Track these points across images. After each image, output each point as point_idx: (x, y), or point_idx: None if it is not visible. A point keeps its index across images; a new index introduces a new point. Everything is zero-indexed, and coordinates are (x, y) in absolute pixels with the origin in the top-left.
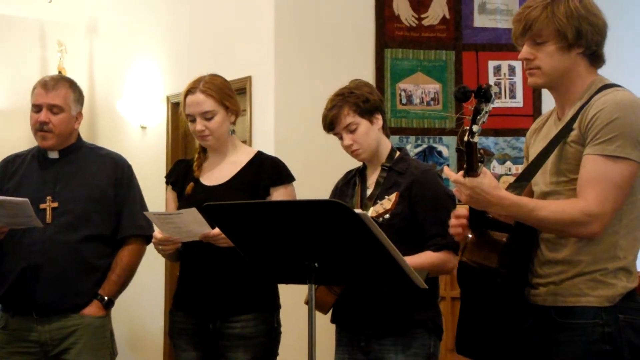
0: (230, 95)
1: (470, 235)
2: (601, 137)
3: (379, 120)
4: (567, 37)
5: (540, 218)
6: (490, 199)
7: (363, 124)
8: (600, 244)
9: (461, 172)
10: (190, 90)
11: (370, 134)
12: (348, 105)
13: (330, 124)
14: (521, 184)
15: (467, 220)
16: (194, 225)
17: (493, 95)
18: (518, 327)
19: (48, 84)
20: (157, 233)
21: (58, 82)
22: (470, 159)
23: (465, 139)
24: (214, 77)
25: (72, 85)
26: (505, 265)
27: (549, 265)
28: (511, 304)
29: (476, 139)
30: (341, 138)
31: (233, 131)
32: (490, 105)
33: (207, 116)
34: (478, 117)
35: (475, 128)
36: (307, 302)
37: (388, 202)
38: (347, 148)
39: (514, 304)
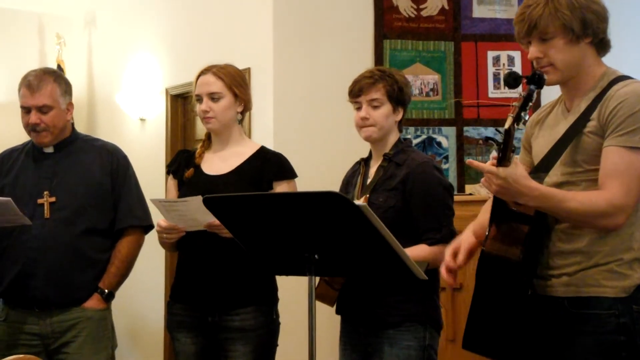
0: (241, 84)
1: (487, 232)
2: (624, 129)
3: (399, 114)
4: (574, 29)
5: (569, 209)
6: (522, 189)
7: (386, 106)
8: (618, 235)
9: (492, 162)
10: (202, 72)
11: (388, 119)
12: (384, 83)
13: (359, 91)
14: (539, 175)
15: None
16: (199, 213)
17: (544, 81)
18: (530, 318)
19: (32, 84)
20: (162, 221)
21: (42, 80)
22: (506, 148)
23: (507, 126)
24: (228, 65)
25: (56, 78)
26: (525, 258)
27: (562, 257)
28: (526, 296)
29: (521, 126)
30: (358, 109)
31: (240, 120)
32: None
33: (214, 96)
34: (530, 103)
35: (523, 114)
36: (315, 295)
37: None
38: (361, 120)
39: (529, 296)
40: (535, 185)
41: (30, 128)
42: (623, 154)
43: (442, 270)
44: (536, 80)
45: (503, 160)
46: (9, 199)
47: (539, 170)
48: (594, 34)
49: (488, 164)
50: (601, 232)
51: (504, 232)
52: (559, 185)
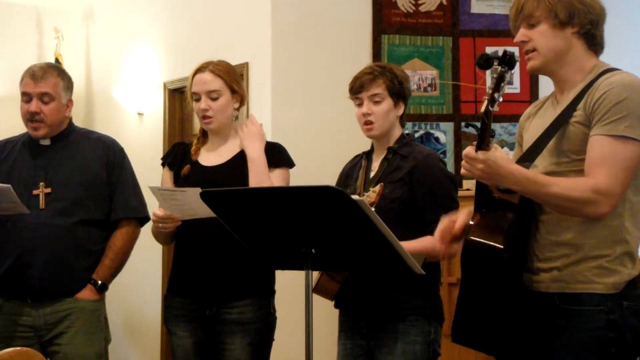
0: (237, 80)
1: (471, 222)
2: (609, 118)
3: (400, 108)
4: (559, 15)
5: (551, 194)
6: (503, 172)
7: (387, 102)
8: (605, 226)
9: (471, 147)
10: (199, 69)
11: (389, 114)
12: (384, 78)
13: (359, 87)
14: (524, 164)
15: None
16: (197, 204)
17: (516, 63)
18: (518, 311)
19: (36, 74)
20: (158, 211)
21: (46, 71)
22: (484, 131)
23: (483, 108)
24: (222, 61)
25: (60, 73)
26: (508, 246)
27: (550, 249)
28: (511, 287)
29: (496, 108)
30: (359, 105)
31: (237, 117)
32: (510, 74)
33: (213, 96)
34: (502, 84)
35: (497, 95)
36: (315, 288)
37: (373, 194)
38: (363, 116)
39: (515, 287)
40: (517, 168)
41: (29, 117)
42: (608, 143)
43: (437, 236)
44: (507, 60)
45: (482, 144)
46: (9, 185)
47: (523, 160)
48: (580, 23)
49: (467, 149)
50: (587, 222)
51: (488, 220)
52: (546, 175)
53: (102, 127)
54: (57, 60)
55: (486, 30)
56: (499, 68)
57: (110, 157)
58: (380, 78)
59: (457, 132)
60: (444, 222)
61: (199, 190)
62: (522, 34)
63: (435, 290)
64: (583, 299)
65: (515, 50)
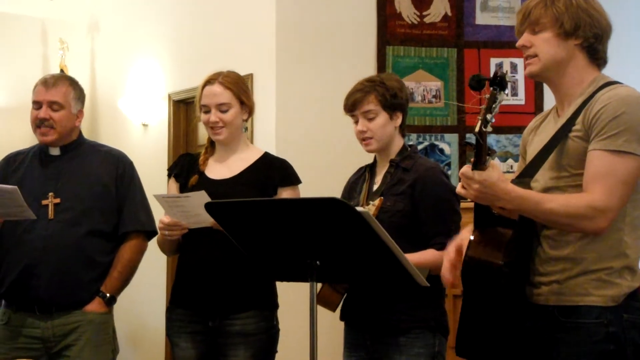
0: (246, 91)
1: (471, 237)
2: (607, 132)
3: (398, 119)
4: (564, 25)
5: (547, 211)
6: (498, 192)
7: (382, 116)
8: (605, 240)
9: (468, 166)
10: (209, 81)
11: (387, 128)
12: (375, 93)
13: (352, 105)
14: (524, 180)
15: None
16: (202, 209)
17: (508, 84)
18: (519, 326)
19: (48, 82)
20: (165, 218)
21: (58, 80)
22: (480, 151)
23: (477, 128)
24: (231, 72)
25: (72, 83)
26: (508, 262)
27: (551, 263)
28: (513, 302)
29: (489, 129)
30: (356, 122)
31: (246, 129)
32: (504, 95)
33: (223, 108)
34: (493, 106)
35: (489, 117)
36: (316, 299)
37: (372, 208)
38: (360, 134)
39: (516, 302)
40: (512, 188)
41: (38, 124)
42: (606, 158)
43: (446, 264)
44: (498, 82)
45: (478, 164)
46: (15, 187)
47: (523, 176)
48: (584, 36)
49: (464, 168)
50: (588, 237)
51: (487, 237)
52: (546, 190)
53: (107, 138)
54: (62, 71)
55: (491, 42)
56: (491, 89)
57: (119, 170)
58: (371, 94)
59: (461, 144)
60: (450, 253)
61: (203, 193)
62: (525, 38)
63: (440, 302)
64: (582, 312)
65: (519, 61)
